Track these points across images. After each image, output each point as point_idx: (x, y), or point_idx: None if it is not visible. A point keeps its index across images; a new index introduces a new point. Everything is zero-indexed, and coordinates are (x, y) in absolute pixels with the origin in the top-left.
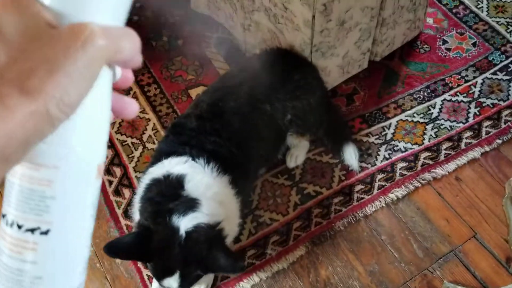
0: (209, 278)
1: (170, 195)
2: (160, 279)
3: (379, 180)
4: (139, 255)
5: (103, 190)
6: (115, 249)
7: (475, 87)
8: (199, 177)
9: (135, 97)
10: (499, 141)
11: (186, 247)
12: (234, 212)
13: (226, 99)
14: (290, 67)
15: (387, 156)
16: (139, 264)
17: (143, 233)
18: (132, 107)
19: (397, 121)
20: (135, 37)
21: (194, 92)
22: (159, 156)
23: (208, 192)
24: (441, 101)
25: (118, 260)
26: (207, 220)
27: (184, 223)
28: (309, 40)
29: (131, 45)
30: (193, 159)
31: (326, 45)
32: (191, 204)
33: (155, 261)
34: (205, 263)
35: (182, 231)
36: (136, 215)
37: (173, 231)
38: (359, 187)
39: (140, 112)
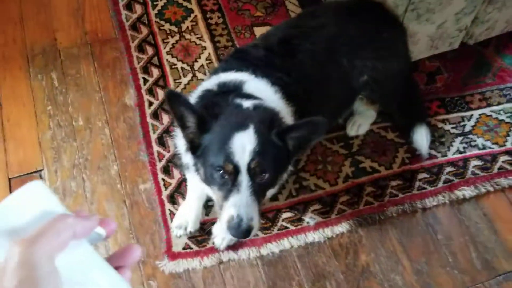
0: None
1: (227, 93)
2: (230, 135)
3: (447, 173)
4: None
5: (141, 110)
6: (178, 98)
7: None
8: (262, 87)
9: (195, 21)
10: None
11: (255, 111)
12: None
13: (301, 39)
14: (379, 23)
15: (461, 149)
16: (164, 196)
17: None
18: (135, 254)
19: (479, 115)
20: (73, 222)
21: (259, 31)
22: (215, 72)
23: (271, 101)
24: None
25: (141, 186)
26: (272, 107)
27: (247, 102)
28: None
29: (75, 228)
30: (256, 76)
31: (425, 7)
32: (253, 96)
33: (224, 116)
34: (278, 124)
35: (247, 105)
36: (179, 139)
37: (236, 106)
38: (423, 175)
39: (197, 38)
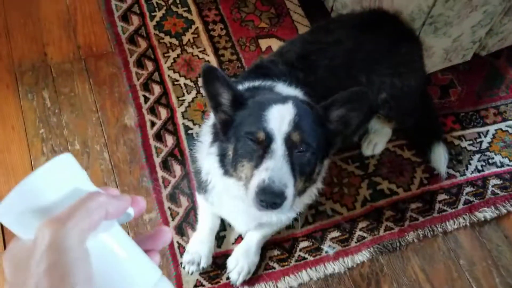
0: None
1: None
2: (268, 106)
3: (466, 194)
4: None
5: (142, 131)
6: (214, 72)
7: None
8: (293, 92)
9: (196, 33)
10: None
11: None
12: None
13: (319, 55)
14: (396, 37)
15: (479, 167)
16: (171, 227)
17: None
18: (166, 237)
19: (495, 130)
20: (108, 201)
21: (265, 44)
22: (237, 83)
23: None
24: None
25: (146, 217)
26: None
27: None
28: (428, 8)
29: (108, 208)
30: (284, 84)
31: (443, 20)
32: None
33: (261, 95)
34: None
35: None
36: (201, 152)
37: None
38: (442, 196)
39: (200, 51)
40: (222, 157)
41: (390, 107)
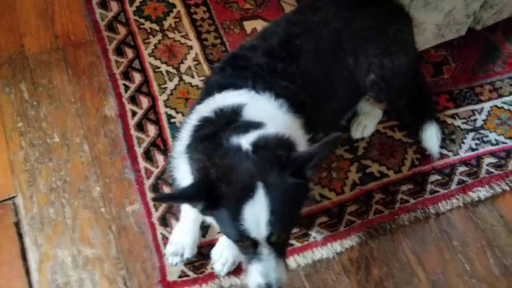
0: None
1: (225, 124)
2: (239, 208)
3: (460, 174)
4: (207, 199)
5: (123, 121)
6: (174, 199)
7: None
8: (263, 106)
9: (178, 17)
10: None
11: (257, 154)
12: None
13: (304, 37)
14: (385, 15)
15: (473, 146)
16: (155, 218)
17: (203, 180)
18: None
19: (490, 107)
20: None
21: (250, 26)
22: (210, 91)
23: (275, 121)
24: None
25: (128, 208)
26: (274, 134)
27: (246, 139)
28: None
29: None
30: (256, 92)
31: None
32: (253, 125)
33: (227, 182)
34: (290, 161)
35: (246, 145)
36: (180, 172)
37: (234, 150)
38: (434, 177)
39: (182, 36)
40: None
41: (380, 88)
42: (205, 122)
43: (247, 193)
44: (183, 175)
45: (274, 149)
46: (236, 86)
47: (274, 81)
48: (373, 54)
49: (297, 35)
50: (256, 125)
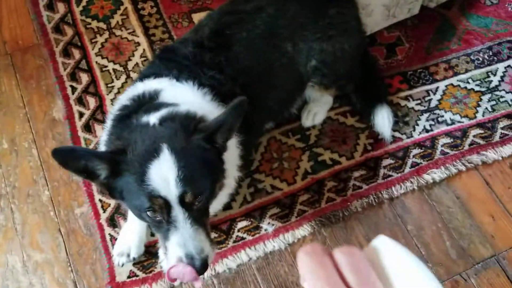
0: None
1: (139, 107)
2: (144, 169)
3: (413, 156)
4: (111, 164)
5: (71, 123)
6: (72, 153)
7: None
8: (182, 92)
9: (125, 14)
10: None
11: (163, 125)
12: (231, 160)
13: (236, 27)
14: None
15: (428, 127)
16: (103, 219)
17: (108, 149)
18: None
19: (446, 86)
20: None
21: (199, 18)
22: (133, 82)
23: (193, 105)
24: (505, 67)
25: (77, 211)
26: (185, 110)
27: (155, 116)
28: None
29: None
30: (178, 80)
31: None
32: (166, 105)
33: (132, 148)
34: (197, 129)
35: (154, 121)
36: None
37: (142, 125)
38: (387, 161)
39: (129, 33)
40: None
41: (323, 74)
42: (123, 109)
43: (152, 154)
44: None
45: (181, 121)
46: (158, 75)
47: (199, 71)
48: (312, 39)
49: (229, 25)
50: (169, 105)
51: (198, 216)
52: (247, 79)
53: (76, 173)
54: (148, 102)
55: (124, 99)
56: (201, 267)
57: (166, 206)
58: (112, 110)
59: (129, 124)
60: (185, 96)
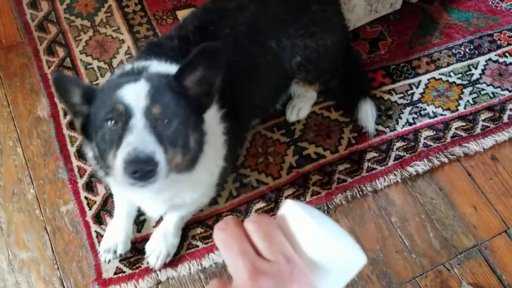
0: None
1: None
2: (118, 87)
3: (397, 149)
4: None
5: (56, 121)
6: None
7: None
8: (170, 69)
9: (109, 11)
10: None
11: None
12: (217, 145)
13: (220, 24)
14: None
15: (410, 120)
16: (89, 217)
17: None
18: None
19: (428, 79)
20: None
21: (183, 15)
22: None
23: None
24: (486, 61)
25: (63, 209)
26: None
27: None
28: None
29: None
30: (166, 62)
31: None
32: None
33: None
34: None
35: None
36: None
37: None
38: (371, 154)
39: (114, 30)
40: (95, 160)
41: (307, 70)
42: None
43: (128, 80)
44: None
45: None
46: (147, 60)
47: (178, 60)
48: (295, 36)
49: (212, 21)
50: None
51: (162, 133)
52: (233, 75)
53: (67, 103)
54: (133, 73)
55: (111, 77)
56: (145, 161)
57: (126, 113)
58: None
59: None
60: (171, 71)
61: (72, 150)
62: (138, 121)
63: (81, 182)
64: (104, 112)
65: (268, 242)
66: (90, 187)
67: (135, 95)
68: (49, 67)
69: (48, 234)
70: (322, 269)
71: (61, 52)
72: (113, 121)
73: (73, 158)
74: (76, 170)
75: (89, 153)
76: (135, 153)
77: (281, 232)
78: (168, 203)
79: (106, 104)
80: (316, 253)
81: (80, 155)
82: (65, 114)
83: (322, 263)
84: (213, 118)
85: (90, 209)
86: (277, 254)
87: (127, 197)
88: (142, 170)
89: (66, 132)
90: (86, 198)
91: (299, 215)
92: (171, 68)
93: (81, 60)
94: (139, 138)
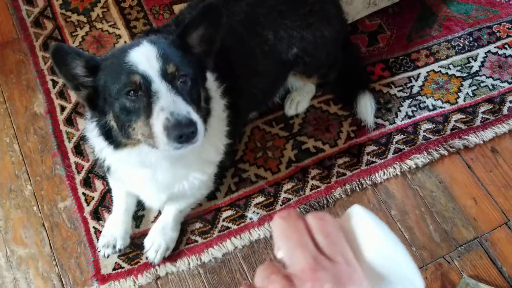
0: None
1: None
2: (124, 55)
3: (396, 142)
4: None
5: (52, 117)
6: (65, 48)
7: None
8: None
9: (106, 7)
10: None
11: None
12: (220, 119)
13: None
14: None
15: (410, 113)
16: (87, 213)
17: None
18: None
19: (427, 72)
20: None
21: (179, 8)
22: None
23: None
24: (485, 53)
25: (60, 205)
26: None
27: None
28: None
29: None
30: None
31: None
32: None
33: (113, 50)
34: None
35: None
36: (90, 132)
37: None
38: (371, 148)
39: (110, 25)
40: (107, 132)
41: (305, 62)
42: None
43: (132, 46)
44: (92, 134)
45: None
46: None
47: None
48: (292, 27)
49: None
50: None
51: (183, 92)
52: (230, 66)
53: (65, 75)
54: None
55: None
56: (188, 124)
57: (145, 81)
58: None
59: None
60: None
61: (69, 146)
62: (160, 85)
63: (78, 178)
64: (119, 86)
65: (329, 241)
66: (87, 183)
67: (145, 60)
68: (45, 63)
69: (46, 230)
70: (379, 281)
71: None
72: (133, 92)
73: (70, 154)
74: (73, 166)
75: (92, 132)
76: (173, 118)
77: (342, 234)
78: (168, 191)
79: (117, 75)
80: (377, 264)
81: (78, 151)
82: (61, 110)
83: (382, 274)
84: (215, 92)
85: (88, 205)
86: (337, 254)
87: (127, 188)
88: (186, 133)
89: (63, 128)
90: (84, 194)
91: (365, 222)
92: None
93: None
94: (169, 101)
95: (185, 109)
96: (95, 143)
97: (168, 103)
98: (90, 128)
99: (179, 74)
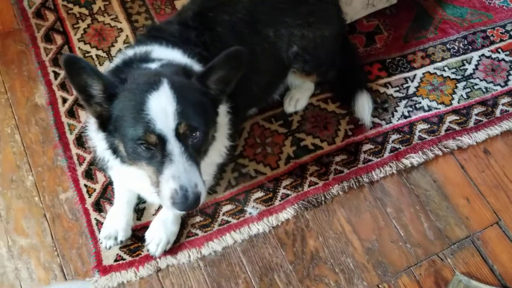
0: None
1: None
2: (144, 97)
3: (392, 142)
4: (109, 83)
5: (54, 108)
6: (78, 63)
7: None
8: (173, 54)
9: (107, 0)
10: None
11: (165, 67)
12: (222, 125)
13: (219, 10)
14: None
15: (406, 113)
16: (88, 204)
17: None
18: None
19: (423, 73)
20: None
21: (181, 4)
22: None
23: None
24: (479, 56)
25: (62, 196)
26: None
27: (155, 64)
28: None
29: None
30: (167, 46)
31: None
32: (161, 60)
33: (132, 77)
34: (193, 73)
35: (154, 66)
36: (93, 132)
37: (144, 68)
38: (367, 146)
39: (112, 19)
40: (114, 150)
41: (304, 60)
42: (115, 68)
43: (152, 86)
44: (94, 134)
45: (179, 67)
46: (147, 44)
47: (187, 47)
48: (292, 25)
49: (211, 8)
50: (163, 59)
51: (193, 153)
52: None
53: (76, 87)
54: (140, 58)
55: (112, 64)
56: (194, 202)
57: (161, 140)
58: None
59: (127, 68)
60: (175, 57)
61: (71, 137)
62: (174, 147)
63: (80, 169)
64: (135, 134)
65: None
66: (89, 175)
67: (164, 117)
68: (47, 55)
69: (47, 221)
70: None
71: (59, 39)
72: (148, 145)
73: (72, 146)
74: (75, 157)
75: (95, 133)
76: (182, 193)
77: None
78: None
79: (133, 122)
80: None
81: (80, 142)
82: (63, 102)
83: None
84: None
85: (89, 197)
86: None
87: (129, 185)
88: (190, 206)
89: (64, 119)
90: (85, 185)
91: None
92: (172, 53)
93: (79, 48)
94: (181, 170)
95: (194, 181)
96: (97, 144)
97: (179, 173)
98: (93, 128)
99: (191, 132)
